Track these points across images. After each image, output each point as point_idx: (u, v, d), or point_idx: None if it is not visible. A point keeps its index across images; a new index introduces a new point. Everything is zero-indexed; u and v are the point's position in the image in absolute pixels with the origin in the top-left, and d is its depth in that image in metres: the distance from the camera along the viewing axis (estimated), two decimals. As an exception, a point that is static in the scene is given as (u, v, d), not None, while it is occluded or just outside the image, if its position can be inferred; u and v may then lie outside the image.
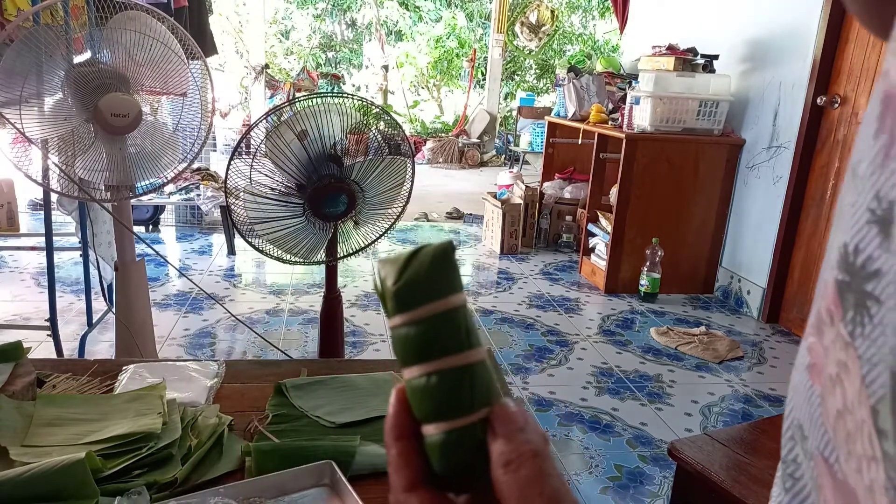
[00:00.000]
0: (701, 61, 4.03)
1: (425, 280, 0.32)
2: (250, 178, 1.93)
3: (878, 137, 0.26)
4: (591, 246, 4.34)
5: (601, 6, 11.66)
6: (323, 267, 2.09)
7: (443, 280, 0.32)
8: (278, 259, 1.98)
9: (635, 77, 4.39)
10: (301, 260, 1.99)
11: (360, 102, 2.04)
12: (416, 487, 0.32)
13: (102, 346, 2.95)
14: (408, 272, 0.32)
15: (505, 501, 0.30)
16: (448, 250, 0.32)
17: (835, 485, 0.32)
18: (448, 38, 11.53)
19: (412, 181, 2.03)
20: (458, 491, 0.33)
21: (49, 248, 2.47)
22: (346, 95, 1.95)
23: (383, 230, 2.08)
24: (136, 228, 2.86)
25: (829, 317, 0.31)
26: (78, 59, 1.99)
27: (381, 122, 2.08)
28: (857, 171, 0.28)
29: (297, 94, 7.90)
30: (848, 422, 0.29)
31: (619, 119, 4.17)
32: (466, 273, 4.41)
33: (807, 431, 0.35)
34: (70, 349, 2.77)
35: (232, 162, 1.91)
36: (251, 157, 1.91)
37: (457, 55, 11.44)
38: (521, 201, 4.87)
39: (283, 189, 1.93)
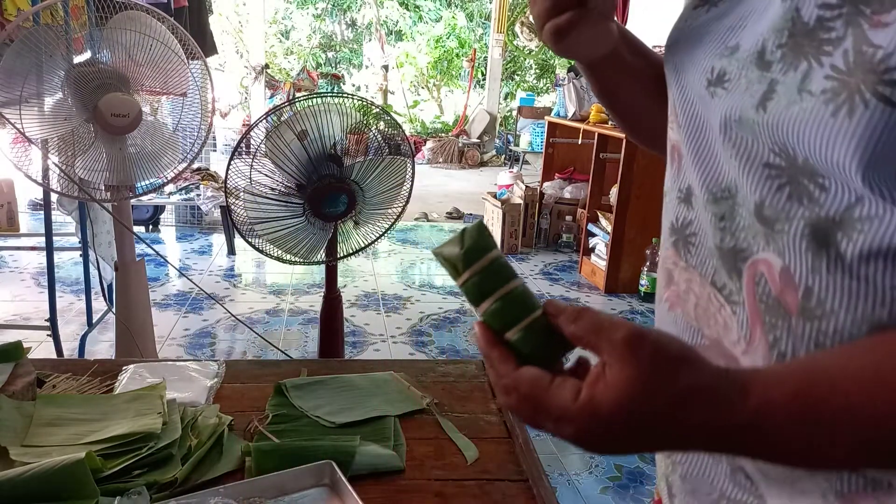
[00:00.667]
0: (701, 61, 4.03)
1: (478, 243, 0.48)
2: (250, 178, 1.93)
3: (672, 166, 0.50)
4: (591, 246, 4.34)
5: (601, 6, 11.64)
6: (323, 267, 2.09)
7: (487, 242, 0.49)
8: (278, 259, 1.98)
9: (635, 77, 4.38)
10: (301, 260, 1.99)
11: (360, 102, 2.04)
12: (518, 368, 0.46)
13: (102, 346, 2.95)
14: (465, 242, 0.48)
15: (584, 344, 0.43)
16: (483, 224, 0.50)
17: None
18: (448, 38, 11.52)
19: (412, 181, 2.03)
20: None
21: (49, 248, 2.47)
22: (346, 95, 1.95)
23: (383, 230, 2.08)
24: (136, 228, 2.85)
25: (674, 265, 0.50)
26: (78, 59, 1.99)
27: (381, 122, 2.08)
28: (667, 187, 0.51)
29: (297, 94, 7.90)
30: (701, 303, 0.46)
31: (619, 119, 4.17)
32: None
33: None
34: (70, 349, 2.77)
35: (232, 162, 1.91)
36: (251, 157, 1.91)
37: (457, 55, 11.44)
38: (521, 201, 4.87)
39: (283, 189, 1.93)
